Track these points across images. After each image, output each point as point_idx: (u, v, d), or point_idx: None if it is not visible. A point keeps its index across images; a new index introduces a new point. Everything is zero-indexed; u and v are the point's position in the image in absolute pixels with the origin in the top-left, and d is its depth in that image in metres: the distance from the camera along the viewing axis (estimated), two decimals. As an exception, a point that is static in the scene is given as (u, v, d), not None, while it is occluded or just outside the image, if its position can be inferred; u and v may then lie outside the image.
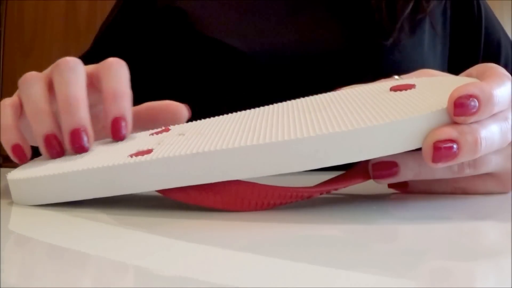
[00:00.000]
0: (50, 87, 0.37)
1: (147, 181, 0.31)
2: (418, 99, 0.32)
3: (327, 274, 0.19)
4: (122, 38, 0.68)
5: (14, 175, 0.35)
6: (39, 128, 0.36)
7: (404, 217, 0.31)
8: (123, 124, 0.37)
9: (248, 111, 0.38)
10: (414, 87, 0.35)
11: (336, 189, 0.34)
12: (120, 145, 0.36)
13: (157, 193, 0.32)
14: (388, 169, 0.33)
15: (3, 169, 0.52)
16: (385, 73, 0.42)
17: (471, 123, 0.30)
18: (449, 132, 0.29)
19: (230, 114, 0.38)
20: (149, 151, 0.32)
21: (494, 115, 0.31)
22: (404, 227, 0.28)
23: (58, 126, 0.36)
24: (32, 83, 0.37)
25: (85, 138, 0.35)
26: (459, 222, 0.30)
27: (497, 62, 0.67)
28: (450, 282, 0.19)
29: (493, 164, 0.35)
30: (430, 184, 0.37)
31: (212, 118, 0.38)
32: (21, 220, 0.31)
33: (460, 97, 0.29)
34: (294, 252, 0.23)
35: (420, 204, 0.34)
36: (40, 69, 0.40)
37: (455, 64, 0.67)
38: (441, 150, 0.29)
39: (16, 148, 0.36)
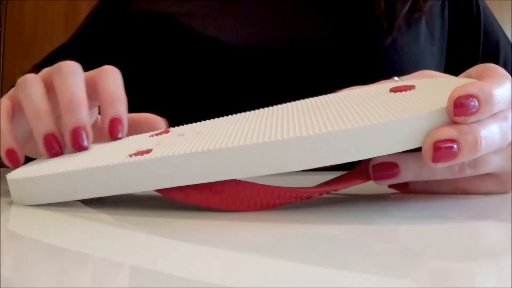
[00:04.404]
0: (48, 89, 0.39)
1: (147, 180, 0.31)
2: (418, 99, 0.32)
3: (327, 274, 0.19)
4: (93, 41, 0.69)
5: (14, 175, 0.35)
6: (39, 128, 0.37)
7: (404, 217, 0.31)
8: (120, 125, 0.38)
9: (247, 112, 0.38)
10: (414, 88, 0.35)
11: (336, 190, 0.34)
12: (119, 145, 0.36)
13: (157, 193, 0.32)
14: (388, 170, 0.33)
15: (3, 169, 0.52)
16: (381, 72, 0.42)
17: (471, 123, 0.30)
18: (449, 132, 0.29)
19: (229, 116, 0.38)
20: (148, 151, 0.32)
21: (494, 114, 0.31)
22: (404, 227, 0.28)
23: (57, 126, 0.37)
24: (32, 84, 0.39)
25: (85, 137, 0.37)
26: (459, 222, 0.30)
27: (496, 62, 0.67)
28: (450, 282, 0.19)
29: (494, 164, 0.35)
30: (430, 185, 0.37)
31: (211, 120, 0.39)
32: (21, 220, 0.31)
33: (459, 97, 0.29)
34: (294, 252, 0.23)
35: (420, 204, 0.34)
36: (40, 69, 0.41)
37: (455, 64, 0.67)
38: (441, 150, 0.29)
39: (10, 152, 0.37)
